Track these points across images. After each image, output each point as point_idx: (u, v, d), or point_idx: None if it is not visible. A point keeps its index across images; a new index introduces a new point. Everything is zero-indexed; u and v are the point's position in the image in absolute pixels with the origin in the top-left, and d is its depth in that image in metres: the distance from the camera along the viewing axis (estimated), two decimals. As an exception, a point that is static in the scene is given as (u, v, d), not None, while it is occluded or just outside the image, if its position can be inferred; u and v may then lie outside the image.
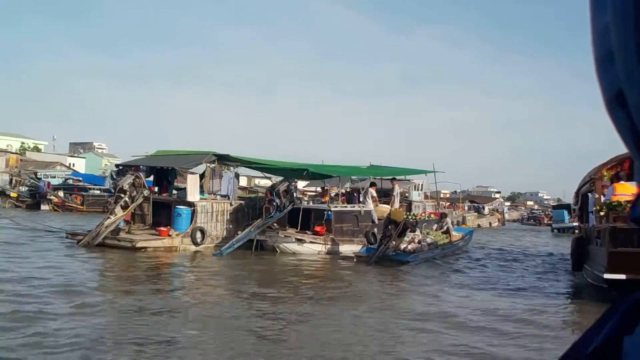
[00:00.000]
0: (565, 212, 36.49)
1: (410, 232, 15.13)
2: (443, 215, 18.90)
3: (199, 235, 15.30)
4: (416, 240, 15.63)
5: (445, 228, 17.84)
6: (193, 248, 15.10)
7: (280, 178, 16.85)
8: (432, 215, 23.46)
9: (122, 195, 14.77)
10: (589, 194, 11.61)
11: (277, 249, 15.63)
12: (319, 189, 23.96)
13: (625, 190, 9.59)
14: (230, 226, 16.33)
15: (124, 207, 14.80)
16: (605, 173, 10.41)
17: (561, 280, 12.90)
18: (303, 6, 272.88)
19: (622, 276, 8.58)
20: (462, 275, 13.41)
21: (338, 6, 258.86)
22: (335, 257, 15.35)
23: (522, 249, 22.60)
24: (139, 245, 13.96)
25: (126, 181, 14.81)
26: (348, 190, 25.52)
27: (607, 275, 8.86)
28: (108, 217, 14.64)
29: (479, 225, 41.73)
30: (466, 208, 45.18)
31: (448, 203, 41.49)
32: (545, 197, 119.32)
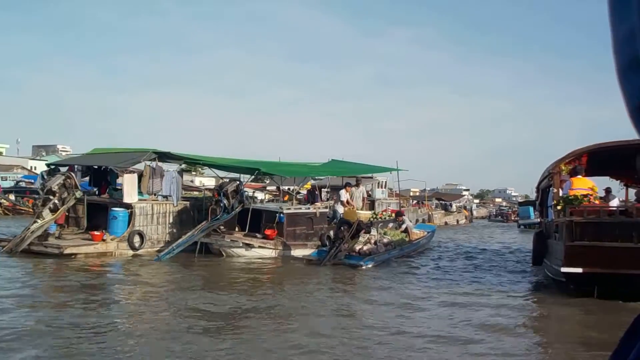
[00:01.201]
0: (531, 209, 36.37)
1: (365, 233, 14.23)
2: (398, 215, 18.03)
3: (137, 239, 14.11)
4: (372, 241, 14.76)
5: (403, 227, 17.01)
6: (131, 253, 13.92)
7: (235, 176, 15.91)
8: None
9: (51, 197, 13.49)
10: (549, 189, 11.45)
11: (224, 253, 14.57)
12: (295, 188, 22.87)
13: (582, 184, 9.55)
14: (174, 229, 15.17)
15: (53, 210, 13.52)
16: (563, 167, 10.27)
17: (520, 276, 12.74)
18: (274, 10, 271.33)
19: (579, 269, 8.63)
20: (419, 276, 12.57)
21: (310, 9, 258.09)
22: (286, 261, 14.35)
23: (486, 245, 22.27)
24: (67, 251, 12.71)
25: (55, 182, 13.55)
26: (309, 188, 24.75)
27: (564, 269, 8.87)
28: (35, 221, 13.35)
29: (446, 223, 41.30)
30: (433, 206, 44.69)
31: (415, 201, 40.92)
32: (513, 193, 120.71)
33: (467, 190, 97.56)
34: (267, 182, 30.43)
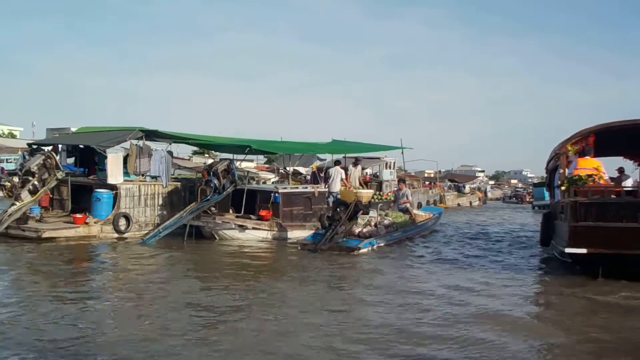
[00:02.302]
0: (545, 190, 35.08)
1: (363, 214, 13.30)
2: (400, 181, 17.01)
3: (122, 222, 13.35)
4: (372, 223, 13.84)
5: (403, 200, 16.09)
6: (116, 237, 13.17)
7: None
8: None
9: (30, 178, 12.75)
10: (556, 170, 11.12)
11: (216, 236, 13.77)
12: (292, 168, 21.95)
13: (587, 164, 9.41)
14: (164, 211, 14.38)
15: (33, 192, 12.79)
16: (569, 148, 10.00)
17: (528, 257, 12.39)
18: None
19: (584, 250, 8.61)
20: (420, 260, 11.66)
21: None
22: (281, 244, 13.51)
23: (496, 227, 21.36)
24: (46, 235, 12.01)
25: (34, 162, 12.79)
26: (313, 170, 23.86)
27: (568, 250, 8.86)
28: (12, 204, 12.64)
29: (458, 205, 40.19)
30: (446, 187, 43.51)
31: (427, 182, 39.82)
32: (529, 175, 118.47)
33: (482, 171, 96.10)
34: (275, 164, 29.58)
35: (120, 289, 8.28)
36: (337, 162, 17.79)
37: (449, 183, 47.26)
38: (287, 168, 20.07)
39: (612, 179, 10.66)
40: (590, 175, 9.13)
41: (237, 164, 22.61)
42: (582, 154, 9.86)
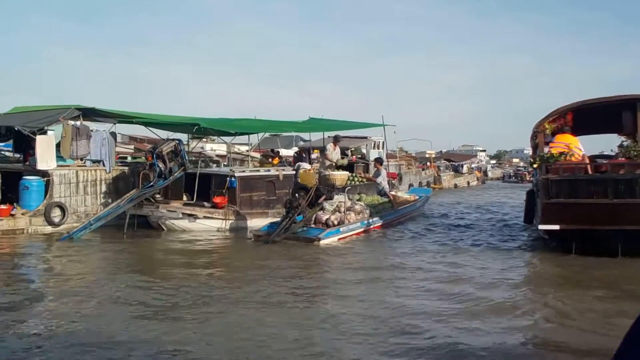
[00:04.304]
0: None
1: (327, 199, 11.68)
2: (377, 161, 15.38)
3: (56, 212, 11.79)
4: (342, 210, 12.24)
5: (379, 180, 14.52)
6: (49, 230, 11.63)
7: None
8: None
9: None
10: (536, 148, 10.90)
11: (163, 227, 12.22)
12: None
13: (562, 141, 9.38)
14: (109, 199, 12.80)
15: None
16: (547, 126, 10.06)
17: (511, 235, 12.29)
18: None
19: (556, 227, 8.74)
20: (394, 249, 10.16)
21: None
22: (238, 235, 11.94)
23: (487, 206, 20.63)
24: (-41, 230, 10.47)
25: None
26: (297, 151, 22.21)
27: (541, 226, 9.13)
28: None
29: (455, 185, 38.54)
30: (442, 168, 41.81)
31: (419, 163, 38.11)
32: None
33: (484, 151, 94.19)
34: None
35: (37, 292, 6.84)
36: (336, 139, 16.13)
37: (446, 163, 45.53)
38: (276, 150, 18.55)
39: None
40: (561, 152, 9.04)
41: (236, 148, 21.20)
42: (559, 131, 9.84)
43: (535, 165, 9.45)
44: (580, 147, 9.51)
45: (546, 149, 9.67)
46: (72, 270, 8.40)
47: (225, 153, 21.72)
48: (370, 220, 12.80)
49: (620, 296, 6.70)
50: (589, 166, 9.05)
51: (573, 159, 9.11)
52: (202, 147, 21.25)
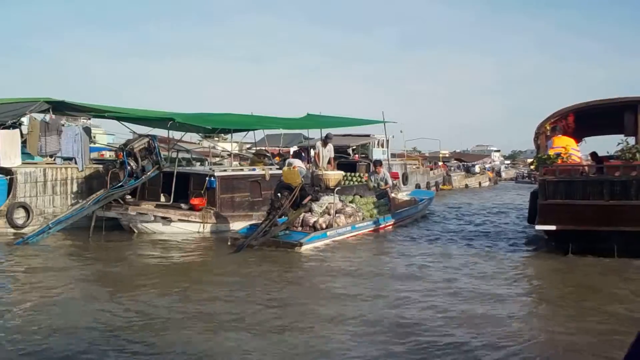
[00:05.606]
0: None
1: (312, 200, 10.63)
2: (377, 164, 14.30)
3: (20, 214, 10.94)
4: (332, 212, 11.20)
5: (382, 181, 13.49)
6: (11, 232, 10.75)
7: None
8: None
9: None
10: (538, 149, 11.21)
11: (135, 230, 11.28)
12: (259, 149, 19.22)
13: (560, 143, 9.38)
14: (79, 200, 11.89)
15: None
16: (548, 127, 10.23)
17: (515, 235, 11.94)
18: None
19: (553, 227, 8.80)
20: (378, 265, 9.04)
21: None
22: (217, 239, 10.93)
23: (495, 207, 19.90)
24: None
25: None
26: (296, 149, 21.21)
27: (538, 227, 9.23)
28: None
29: (466, 186, 37.31)
30: (453, 168, 40.51)
31: (430, 163, 36.87)
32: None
33: (498, 151, 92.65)
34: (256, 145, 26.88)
35: None
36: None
37: (456, 163, 44.20)
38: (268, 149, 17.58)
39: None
40: (559, 154, 9.06)
41: (247, 146, 20.11)
42: (552, 132, 9.94)
43: (532, 167, 9.54)
44: (578, 149, 9.62)
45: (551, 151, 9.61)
46: (16, 278, 7.47)
47: (237, 152, 20.92)
48: (364, 224, 11.78)
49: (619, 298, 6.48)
50: (585, 167, 9.20)
51: (570, 160, 9.16)
52: (213, 146, 20.37)
